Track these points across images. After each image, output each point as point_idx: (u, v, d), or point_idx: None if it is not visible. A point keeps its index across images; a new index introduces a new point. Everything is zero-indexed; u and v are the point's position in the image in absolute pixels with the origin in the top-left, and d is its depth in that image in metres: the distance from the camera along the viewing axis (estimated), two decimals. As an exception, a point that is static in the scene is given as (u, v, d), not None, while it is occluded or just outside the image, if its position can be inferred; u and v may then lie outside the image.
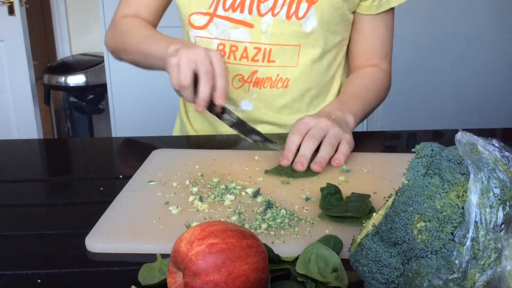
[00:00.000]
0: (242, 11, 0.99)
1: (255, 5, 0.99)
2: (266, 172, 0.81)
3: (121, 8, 1.12)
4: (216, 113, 0.89)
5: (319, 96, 1.08)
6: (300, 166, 0.81)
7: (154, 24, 1.13)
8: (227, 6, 1.00)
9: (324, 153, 0.83)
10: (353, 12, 1.04)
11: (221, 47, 1.02)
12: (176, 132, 1.21)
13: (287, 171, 0.81)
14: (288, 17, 0.98)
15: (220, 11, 1.00)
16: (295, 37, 1.00)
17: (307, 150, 0.83)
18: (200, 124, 1.12)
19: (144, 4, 1.11)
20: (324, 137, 0.85)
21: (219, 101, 0.86)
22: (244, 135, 0.88)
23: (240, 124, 0.89)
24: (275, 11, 0.98)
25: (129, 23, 1.09)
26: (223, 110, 0.88)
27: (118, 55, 1.11)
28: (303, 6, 0.98)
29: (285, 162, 0.83)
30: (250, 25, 1.00)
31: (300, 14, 0.98)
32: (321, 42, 1.02)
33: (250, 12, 0.99)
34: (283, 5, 0.98)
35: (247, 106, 1.06)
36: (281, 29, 0.99)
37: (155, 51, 0.96)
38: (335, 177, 0.79)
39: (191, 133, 1.14)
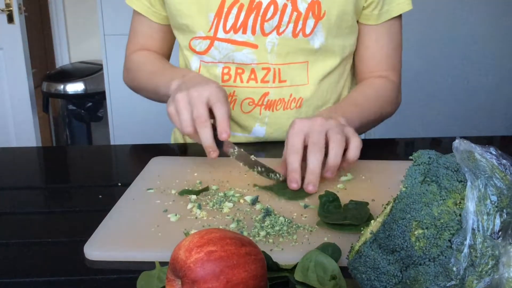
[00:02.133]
0: (244, 32, 0.94)
1: (259, 25, 0.93)
2: (257, 187, 0.78)
3: (129, 43, 1.10)
4: (225, 151, 0.82)
5: None
6: (312, 187, 0.74)
7: (166, 51, 1.11)
8: (228, 28, 0.94)
9: (333, 159, 0.75)
10: (357, 22, 1.01)
11: (226, 70, 0.98)
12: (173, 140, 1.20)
13: (278, 189, 0.76)
14: (295, 35, 0.94)
15: (221, 34, 0.95)
16: (303, 54, 0.96)
17: (315, 164, 0.75)
18: None
19: (149, 35, 1.07)
20: (328, 138, 0.76)
21: (223, 136, 0.78)
22: (249, 167, 0.81)
23: (244, 156, 0.82)
24: (280, 30, 0.94)
25: (137, 59, 1.06)
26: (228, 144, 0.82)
27: (137, 92, 1.09)
28: (310, 22, 0.93)
29: (295, 186, 0.75)
30: (255, 46, 0.95)
31: (307, 31, 0.94)
32: (329, 56, 0.98)
33: (253, 32, 0.94)
34: (288, 22, 0.93)
35: (259, 132, 1.01)
36: (287, 47, 0.95)
37: (160, 89, 0.93)
38: (333, 185, 0.79)
39: (189, 141, 1.13)
